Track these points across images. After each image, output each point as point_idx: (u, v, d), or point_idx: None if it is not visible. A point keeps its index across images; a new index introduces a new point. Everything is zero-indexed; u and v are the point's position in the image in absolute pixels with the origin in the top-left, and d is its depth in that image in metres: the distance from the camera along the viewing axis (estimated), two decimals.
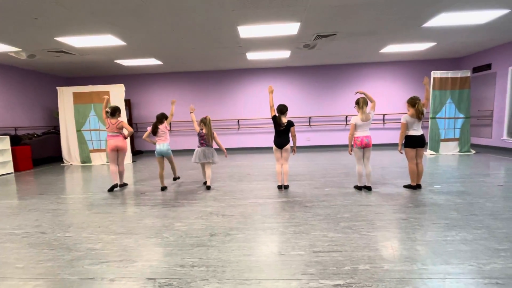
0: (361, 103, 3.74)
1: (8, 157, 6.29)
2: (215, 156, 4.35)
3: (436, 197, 3.48)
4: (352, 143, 3.84)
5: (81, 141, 7.40)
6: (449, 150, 7.10)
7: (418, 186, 3.89)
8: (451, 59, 8.53)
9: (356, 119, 3.78)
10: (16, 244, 2.53)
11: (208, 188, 4.28)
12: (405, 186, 3.99)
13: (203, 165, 4.50)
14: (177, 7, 4.01)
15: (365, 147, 3.77)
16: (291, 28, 5.02)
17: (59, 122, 7.45)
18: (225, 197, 3.81)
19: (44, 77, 8.30)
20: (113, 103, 7.25)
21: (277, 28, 4.99)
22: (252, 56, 7.09)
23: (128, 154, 7.35)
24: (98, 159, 7.43)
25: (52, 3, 3.67)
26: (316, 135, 9.02)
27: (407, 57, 8.08)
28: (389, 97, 8.72)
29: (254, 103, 9.00)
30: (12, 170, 6.33)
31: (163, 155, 4.37)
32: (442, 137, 7.09)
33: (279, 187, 4.12)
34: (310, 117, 8.88)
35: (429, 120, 7.11)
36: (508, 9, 4.55)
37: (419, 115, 3.68)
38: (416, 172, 3.82)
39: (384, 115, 8.69)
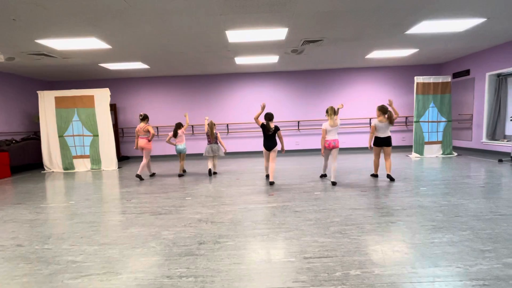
0: (329, 112, 4.44)
1: None
2: (220, 150, 5.60)
3: (422, 199, 3.55)
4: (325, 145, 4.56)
5: (64, 147, 7.12)
6: (433, 152, 7.32)
7: (390, 177, 4.63)
8: (432, 65, 8.86)
9: (326, 125, 4.48)
10: None
11: (215, 173, 5.78)
12: (371, 175, 5.03)
13: (211, 157, 5.65)
14: (163, 11, 3.95)
15: (332, 148, 4.49)
16: (279, 33, 5.06)
17: (40, 127, 7.15)
18: (214, 203, 3.74)
19: (23, 81, 7.97)
20: (98, 107, 7.06)
21: (265, 33, 5.01)
22: (241, 60, 7.09)
23: (113, 159, 7.14)
24: (82, 166, 7.17)
25: (32, 3, 3.53)
26: (304, 139, 9.09)
27: (391, 62, 8.32)
28: (375, 101, 8.92)
29: (242, 108, 8.98)
30: None
31: (181, 152, 5.82)
32: (426, 140, 7.32)
33: (267, 176, 4.97)
34: (298, 121, 8.95)
35: (414, 124, 7.32)
36: (484, 18, 4.78)
37: (391, 121, 4.56)
38: (378, 165, 4.90)
39: (370, 119, 8.87)
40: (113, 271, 2.06)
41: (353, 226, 2.74)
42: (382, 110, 4.61)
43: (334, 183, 4.46)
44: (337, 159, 4.49)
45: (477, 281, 1.78)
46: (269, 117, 4.65)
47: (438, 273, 1.89)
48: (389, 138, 4.68)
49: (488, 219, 2.81)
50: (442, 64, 8.78)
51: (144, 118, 5.62)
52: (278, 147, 4.76)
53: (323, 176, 5.06)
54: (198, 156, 8.80)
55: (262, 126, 4.61)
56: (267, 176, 4.87)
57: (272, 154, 4.68)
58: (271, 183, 4.65)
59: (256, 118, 4.54)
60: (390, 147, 4.71)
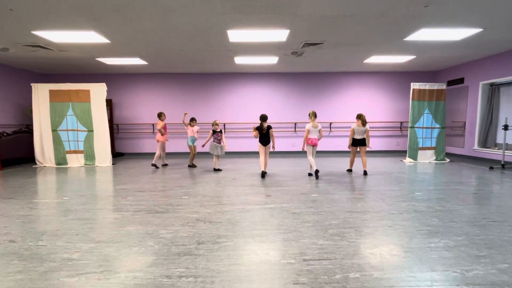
0: (311, 115, 5.37)
1: None
2: (223, 150, 6.12)
3: (418, 204, 3.61)
4: (306, 142, 5.46)
5: (57, 142, 6.97)
6: (426, 158, 7.45)
7: (364, 172, 5.59)
8: (428, 72, 9.02)
9: (309, 126, 5.38)
10: None
11: (219, 170, 6.13)
12: (347, 170, 5.95)
13: (216, 156, 6.14)
14: (165, 7, 3.92)
15: (313, 145, 5.40)
16: (280, 34, 5.07)
17: (33, 120, 6.99)
18: (211, 202, 3.72)
19: (17, 73, 7.78)
20: (93, 102, 6.95)
21: (266, 34, 5.02)
22: (240, 60, 7.08)
23: (108, 156, 7.04)
24: (75, 161, 7.04)
25: None
26: (301, 141, 9.10)
27: (388, 68, 8.44)
28: (371, 106, 9.04)
29: (240, 107, 8.97)
30: None
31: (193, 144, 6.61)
32: (420, 145, 7.44)
33: (263, 172, 5.46)
34: (295, 123, 8.99)
35: (408, 129, 7.43)
36: (481, 28, 4.89)
37: (363, 124, 5.63)
38: (353, 161, 5.94)
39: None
40: (110, 270, 2.03)
41: (351, 229, 2.77)
42: (358, 116, 5.70)
43: (317, 171, 5.29)
44: (315, 154, 5.60)
45: (474, 286, 1.81)
46: (263, 118, 5.41)
47: (435, 277, 1.92)
48: (364, 139, 5.70)
49: (482, 225, 2.87)
50: (437, 71, 8.95)
51: (160, 115, 6.57)
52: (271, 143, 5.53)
53: (310, 175, 5.56)
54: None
55: (258, 127, 5.41)
56: (263, 172, 5.47)
57: (266, 149, 5.55)
58: (264, 173, 5.43)
59: (255, 136, 5.46)
60: (365, 147, 5.70)
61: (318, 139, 5.43)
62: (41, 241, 2.54)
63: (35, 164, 7.07)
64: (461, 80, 7.91)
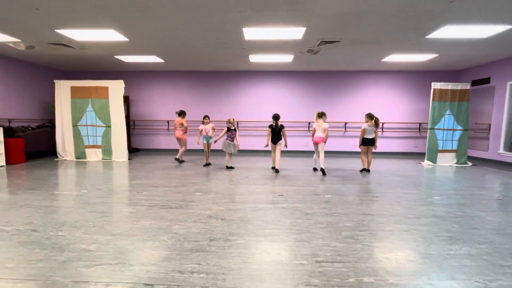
0: (316, 117, 5.76)
1: (1, 149, 6.12)
2: (236, 149, 6.13)
3: (437, 208, 3.46)
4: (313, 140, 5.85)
5: (77, 136, 7.25)
6: (446, 161, 7.14)
7: (367, 170, 5.89)
8: (451, 71, 8.63)
9: (314, 125, 5.78)
10: (6, 241, 2.42)
11: (232, 168, 6.17)
12: (360, 171, 5.98)
13: (229, 154, 6.16)
14: (182, 6, 3.95)
15: (317, 143, 5.68)
16: (296, 32, 5.00)
17: (55, 115, 7.30)
18: (223, 200, 3.74)
19: (41, 70, 8.14)
20: (111, 99, 7.16)
21: (282, 31, 4.97)
22: (255, 58, 7.06)
23: (124, 151, 7.24)
24: (93, 155, 7.29)
25: None
26: None
27: (407, 67, 8.14)
28: (388, 106, 8.77)
29: (254, 106, 8.96)
30: (4, 163, 6.16)
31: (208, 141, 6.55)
32: (440, 148, 7.14)
33: (273, 167, 5.93)
34: (309, 122, 8.87)
35: (428, 131, 7.15)
36: (510, 25, 4.61)
37: (377, 125, 5.74)
38: (365, 161, 5.92)
39: (383, 123, 8.72)
40: (125, 262, 2.08)
41: (365, 232, 2.69)
42: (370, 116, 5.73)
43: (322, 169, 5.63)
44: (322, 152, 5.78)
45: None
46: (275, 117, 5.74)
47: (455, 286, 1.83)
48: (373, 139, 5.80)
49: (508, 233, 2.71)
50: (461, 70, 8.55)
51: (180, 113, 6.79)
52: (283, 141, 5.81)
53: (315, 169, 6.05)
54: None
55: (271, 126, 5.72)
56: (273, 168, 5.92)
57: (278, 147, 5.77)
58: (276, 171, 5.76)
59: (268, 135, 5.82)
60: (373, 147, 5.83)
61: (325, 138, 5.65)
62: (61, 231, 2.64)
63: (57, 157, 7.38)
64: (487, 80, 7.51)
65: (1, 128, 6.14)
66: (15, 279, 1.86)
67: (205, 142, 6.47)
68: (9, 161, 6.30)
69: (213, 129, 6.48)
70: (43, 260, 2.10)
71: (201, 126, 6.45)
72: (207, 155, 6.56)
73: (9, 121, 7.08)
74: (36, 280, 1.85)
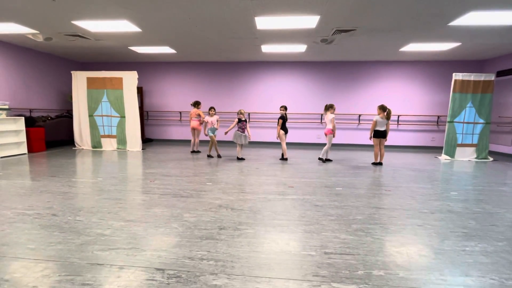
0: (324, 110, 6.00)
1: (23, 138, 6.42)
2: (247, 140, 6.15)
3: (453, 204, 3.35)
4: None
5: (93, 126, 7.48)
6: (465, 156, 6.86)
7: (379, 163, 5.84)
8: (474, 61, 8.18)
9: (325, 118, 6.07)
10: (28, 224, 2.56)
11: (243, 159, 6.20)
12: (372, 163, 5.93)
13: (239, 145, 6.20)
14: None
15: (325, 134, 5.96)
16: (310, 21, 4.86)
17: (73, 106, 7.54)
18: (233, 190, 3.77)
19: (59, 61, 8.38)
20: (125, 90, 7.29)
21: (295, 20, 4.84)
22: (267, 49, 6.96)
23: (138, 141, 7.40)
24: (109, 145, 7.51)
25: None
26: None
27: (427, 57, 7.78)
28: (406, 97, 8.46)
29: (266, 97, 8.89)
30: (26, 151, 6.47)
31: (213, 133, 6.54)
32: (459, 142, 6.85)
33: (282, 156, 6.28)
34: (321, 114, 8.72)
35: (446, 124, 6.86)
36: None
37: (388, 117, 5.65)
38: (378, 154, 5.81)
39: (398, 116, 8.45)
40: (138, 247, 2.15)
41: (376, 226, 2.65)
42: (382, 108, 5.65)
43: (320, 159, 6.11)
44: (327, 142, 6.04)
45: None
46: (285, 108, 6.15)
47: (469, 283, 1.78)
48: (385, 131, 5.73)
49: None
50: (485, 60, 8.08)
51: (195, 104, 6.81)
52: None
53: (320, 159, 6.23)
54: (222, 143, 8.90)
55: (282, 117, 6.00)
56: (282, 156, 6.27)
57: (283, 137, 6.14)
58: (285, 159, 6.16)
59: (278, 125, 6.06)
60: (385, 139, 5.79)
61: (332, 130, 5.84)
62: (78, 216, 2.76)
63: (74, 146, 7.66)
64: None
65: (23, 118, 6.42)
66: (36, 259, 1.97)
67: (211, 134, 6.41)
68: (30, 149, 6.60)
69: (217, 121, 6.47)
70: (62, 243, 2.21)
71: (207, 118, 6.39)
72: (215, 147, 6.52)
73: (30, 111, 7.38)
74: (55, 261, 1.95)
